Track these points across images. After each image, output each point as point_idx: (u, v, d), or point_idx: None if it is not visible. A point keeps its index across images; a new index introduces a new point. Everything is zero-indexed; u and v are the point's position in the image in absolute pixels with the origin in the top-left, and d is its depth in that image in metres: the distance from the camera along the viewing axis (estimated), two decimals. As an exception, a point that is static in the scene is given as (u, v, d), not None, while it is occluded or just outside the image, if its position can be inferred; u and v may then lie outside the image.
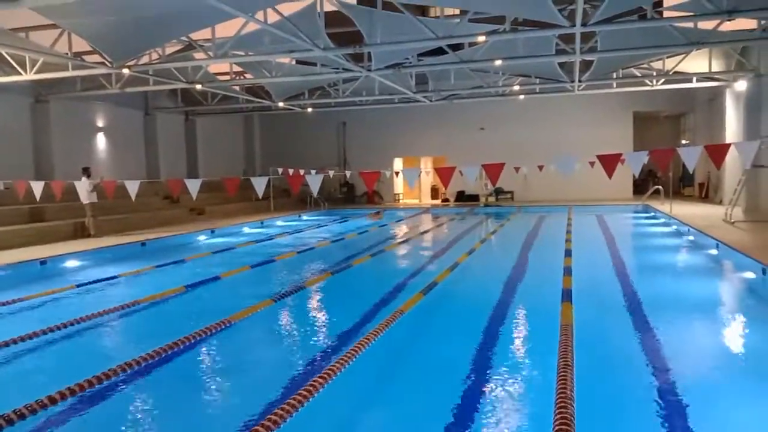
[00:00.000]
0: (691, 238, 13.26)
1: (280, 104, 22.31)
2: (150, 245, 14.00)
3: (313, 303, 8.74)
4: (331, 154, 28.97)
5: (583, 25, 11.22)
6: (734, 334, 6.53)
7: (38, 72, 14.61)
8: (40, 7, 10.37)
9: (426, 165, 28.28)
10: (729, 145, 10.99)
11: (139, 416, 4.59)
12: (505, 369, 5.27)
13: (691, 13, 12.16)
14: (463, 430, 4.07)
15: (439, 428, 4.06)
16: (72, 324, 6.78)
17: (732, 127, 19.52)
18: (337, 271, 10.59)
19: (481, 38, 12.96)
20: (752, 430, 4.09)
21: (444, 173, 12.53)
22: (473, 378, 5.05)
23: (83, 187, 14.61)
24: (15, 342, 6.10)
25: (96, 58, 14.96)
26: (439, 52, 15.95)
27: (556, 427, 3.63)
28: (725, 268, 10.20)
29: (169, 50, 15.52)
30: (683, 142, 26.23)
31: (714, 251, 11.17)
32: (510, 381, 4.99)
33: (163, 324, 7.41)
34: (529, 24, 13.24)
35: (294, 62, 17.60)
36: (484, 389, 4.80)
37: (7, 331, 6.38)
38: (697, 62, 18.69)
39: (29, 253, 12.05)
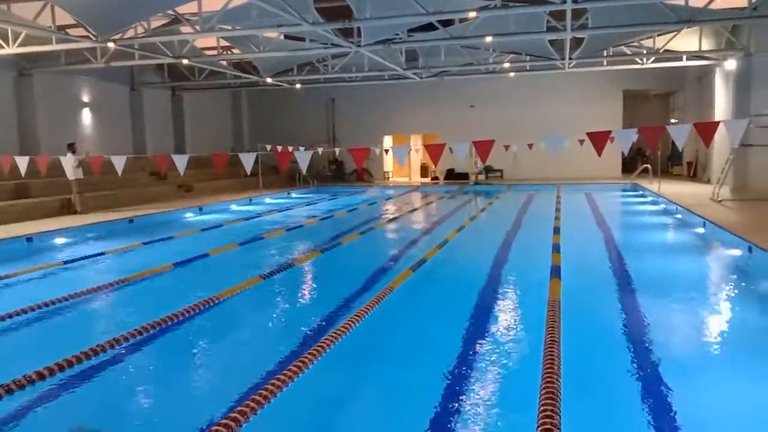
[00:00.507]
0: (679, 216, 13.35)
1: (269, 80, 22.08)
2: (137, 222, 13.91)
3: (303, 281, 8.73)
4: (320, 131, 28.78)
5: (574, 1, 11.14)
6: (720, 311, 6.60)
7: (21, 45, 14.31)
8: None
9: (416, 142, 28.18)
10: (718, 123, 11.02)
11: (127, 393, 4.59)
12: (493, 345, 5.30)
13: (683, -10, 12.10)
14: (451, 405, 4.10)
15: (428, 403, 4.08)
16: (59, 301, 6.74)
17: (721, 106, 19.57)
18: (326, 249, 10.58)
19: (472, 14, 12.84)
20: (737, 403, 4.14)
21: (434, 150, 12.49)
22: (461, 353, 5.07)
23: (68, 163, 14.44)
24: (2, 319, 6.06)
25: (80, 31, 14.67)
26: (429, 28, 15.78)
27: (542, 402, 3.66)
28: (712, 246, 10.29)
29: (154, 24, 15.22)
30: (672, 120, 26.28)
31: (701, 229, 11.25)
32: (497, 356, 5.02)
33: (151, 301, 7.38)
34: (520, 0, 13.13)
35: (282, 37, 17.37)
36: (472, 365, 4.82)
37: (-8, 308, 6.33)
38: (687, 41, 18.65)
39: (15, 229, 11.93)
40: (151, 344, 5.46)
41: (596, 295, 7.12)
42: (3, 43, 14.30)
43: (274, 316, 6.88)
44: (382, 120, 27.93)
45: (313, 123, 28.75)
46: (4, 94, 17.63)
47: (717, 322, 6.17)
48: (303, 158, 13.36)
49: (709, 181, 19.62)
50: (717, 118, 18.12)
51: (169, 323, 5.86)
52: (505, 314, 6.41)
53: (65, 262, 9.22)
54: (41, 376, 4.42)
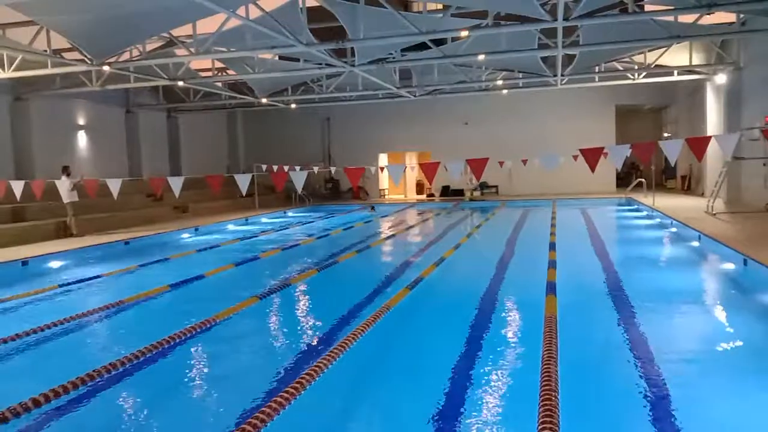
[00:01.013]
0: (674, 230, 13.40)
1: (264, 100, 22.18)
2: (133, 244, 13.89)
3: (299, 300, 8.72)
4: (316, 150, 28.88)
5: (565, 19, 11.26)
6: (716, 325, 6.61)
7: (16, 70, 14.38)
8: (17, 3, 10.21)
9: (411, 160, 28.29)
10: (710, 137, 11.10)
11: (124, 417, 4.56)
12: (490, 361, 5.30)
13: (672, 7, 12.25)
14: (450, 421, 4.09)
15: (426, 420, 4.07)
16: (55, 325, 6.71)
17: (713, 120, 19.73)
18: (322, 268, 10.57)
19: (464, 33, 12.97)
20: (733, 417, 4.14)
21: (428, 169, 12.55)
22: (459, 369, 5.07)
23: (64, 187, 14.44)
24: (-3, 344, 6.03)
25: (75, 55, 14.74)
26: (422, 47, 15.92)
27: (541, 418, 3.65)
28: (707, 259, 10.32)
29: (149, 47, 15.36)
30: (665, 135, 26.47)
31: (696, 243, 11.29)
32: (495, 372, 5.02)
33: (148, 324, 7.36)
34: (511, 18, 13.28)
35: (277, 58, 17.50)
36: (469, 381, 4.81)
37: (-12, 333, 6.30)
38: (678, 56, 18.86)
39: (10, 253, 11.90)
40: (148, 367, 5.43)
41: (592, 311, 7.13)
42: (-1, 68, 14.38)
43: (271, 336, 6.86)
44: (377, 138, 28.05)
45: (309, 142, 28.85)
46: (0, 119, 17.66)
47: (713, 336, 6.18)
48: (298, 178, 13.39)
49: (703, 195, 19.72)
50: (709, 132, 18.28)
51: (166, 346, 5.83)
52: (502, 331, 6.40)
53: (61, 286, 9.19)
54: (37, 403, 4.39)
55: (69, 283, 9.38)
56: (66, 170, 14.99)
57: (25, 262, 11.07)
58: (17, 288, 8.95)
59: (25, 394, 4.43)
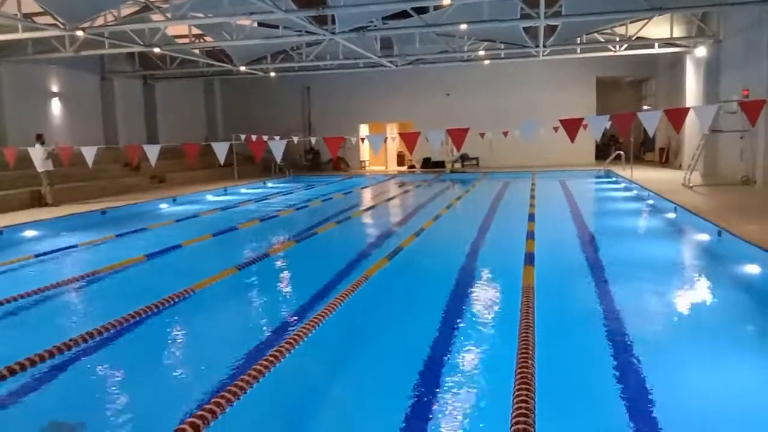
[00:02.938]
0: (651, 202, 13.55)
1: (242, 68, 21.84)
2: (110, 214, 13.71)
3: (278, 271, 8.70)
4: (296, 120, 28.58)
5: (548, -12, 11.18)
6: (691, 294, 6.73)
7: (-15, 34, 13.97)
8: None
9: (392, 131, 28.13)
10: (688, 109, 11.19)
11: (100, 387, 4.54)
12: (468, 331, 5.35)
13: (654, -22, 12.22)
14: (426, 391, 4.13)
15: (403, 390, 4.10)
16: (31, 294, 6.62)
17: (692, 92, 19.85)
18: (301, 239, 10.54)
19: (446, 1, 12.83)
20: (705, 384, 4.24)
21: (409, 139, 12.51)
22: (436, 341, 5.11)
23: (37, 155, 14.14)
24: (-30, 314, 5.95)
25: (48, 19, 14.33)
26: (404, 15, 15.74)
27: (517, 387, 3.70)
28: (683, 231, 10.47)
29: (124, 12, 14.93)
30: (645, 107, 26.60)
31: (672, 215, 11.44)
32: (473, 342, 5.07)
33: (125, 293, 7.30)
34: (494, -13, 13.14)
35: (255, 25, 17.17)
36: (447, 350, 4.86)
37: (-39, 303, 6.21)
38: (659, 28, 18.86)
39: (-17, 222, 11.69)
40: (124, 337, 5.40)
41: (570, 281, 7.22)
42: (-33, 32, 13.94)
43: (249, 307, 6.85)
44: (358, 108, 27.81)
45: (288, 112, 28.52)
46: (-30, 84, 17.21)
47: (687, 305, 6.30)
48: (277, 147, 13.26)
49: (680, 167, 19.93)
50: (688, 105, 18.38)
51: (143, 315, 5.79)
52: (480, 301, 6.45)
53: (37, 256, 9.05)
54: (12, 372, 4.35)
55: (45, 253, 9.24)
56: (40, 138, 14.67)
57: (-1, 232, 10.88)
58: (-9, 257, 8.80)
59: (0, 363, 4.38)
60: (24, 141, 15.81)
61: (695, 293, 6.78)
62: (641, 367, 4.38)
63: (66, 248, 9.64)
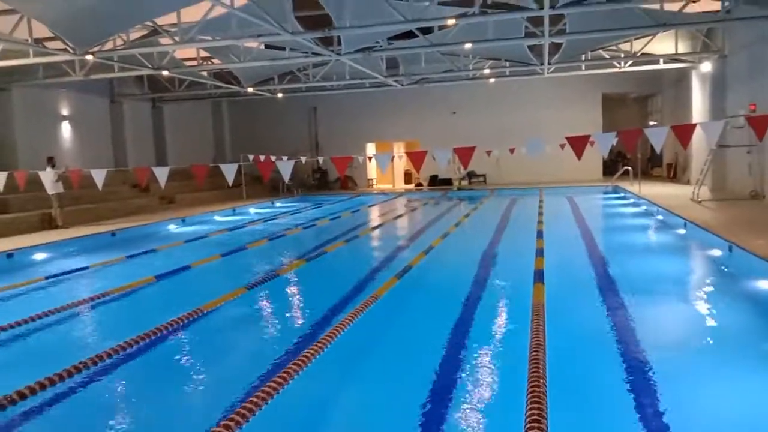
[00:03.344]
0: (660, 217, 13.50)
1: (249, 89, 22.03)
2: (120, 235, 13.78)
3: (287, 291, 8.70)
4: (303, 140, 28.73)
5: (552, 7, 11.26)
6: (702, 311, 6.67)
7: (-3, 59, 14.16)
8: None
9: (399, 149, 28.23)
10: (695, 125, 11.17)
11: (112, 408, 4.54)
12: (478, 349, 5.32)
13: (658, -5, 12.28)
14: (437, 408, 4.10)
15: (413, 409, 4.08)
16: (42, 317, 6.65)
17: (698, 108, 19.85)
18: (310, 258, 10.55)
19: (451, 21, 12.93)
20: (717, 401, 4.19)
21: (416, 157, 12.54)
22: (447, 358, 5.09)
23: (48, 178, 14.27)
24: (-19, 337, 5.97)
25: (58, 44, 14.54)
26: (409, 35, 15.87)
27: (529, 405, 3.68)
28: (693, 246, 10.42)
29: (133, 36, 15.14)
30: (651, 123, 26.60)
31: (682, 230, 11.38)
32: (483, 361, 5.04)
33: (135, 315, 7.32)
34: (498, 7, 13.24)
35: (262, 46, 17.35)
36: (458, 369, 4.83)
37: (-27, 326, 6.24)
38: (663, 44, 18.92)
39: (-6, 245, 11.76)
40: (136, 359, 5.41)
41: (580, 299, 7.17)
42: (-21, 58, 14.14)
43: (259, 327, 6.84)
44: (365, 128, 27.95)
45: (296, 132, 28.69)
46: (-18, 108, 17.42)
47: (698, 322, 6.24)
48: (285, 168, 13.33)
49: (688, 182, 19.87)
50: (694, 120, 18.39)
51: (153, 337, 5.80)
52: (490, 319, 6.42)
53: (47, 278, 9.10)
54: (22, 396, 4.36)
55: (55, 275, 9.29)
56: (50, 161, 14.82)
57: (10, 255, 10.94)
58: (3, 280, 8.85)
59: (11, 387, 4.39)
60: (34, 164, 15.96)
61: (707, 309, 6.72)
62: (653, 386, 4.33)
63: (76, 270, 9.68)
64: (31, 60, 14.63)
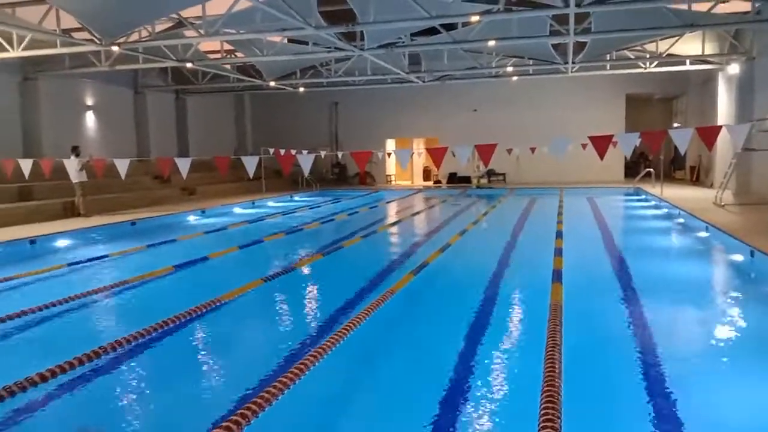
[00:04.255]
0: (682, 220, 13.33)
1: (272, 83, 22.13)
2: (140, 225, 13.94)
3: (304, 284, 8.75)
4: (323, 135, 28.82)
5: (577, 5, 11.15)
6: (723, 316, 6.58)
7: (26, 49, 14.36)
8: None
9: (418, 146, 28.18)
10: (720, 127, 11.02)
11: (128, 394, 4.60)
12: (494, 348, 5.30)
13: (686, -5, 12.11)
14: (452, 406, 4.10)
15: (428, 408, 4.08)
16: (62, 303, 6.76)
17: (724, 111, 19.55)
18: (328, 252, 10.59)
19: (475, 18, 12.87)
20: (738, 410, 4.14)
21: (436, 154, 12.51)
22: (461, 356, 5.07)
23: (72, 166, 14.48)
24: (3, 321, 6.08)
25: (85, 35, 14.72)
26: (432, 31, 15.83)
27: (543, 405, 3.66)
28: (715, 250, 10.27)
29: (159, 27, 15.29)
30: (675, 125, 26.25)
31: (704, 234, 11.23)
32: (499, 359, 5.03)
33: (154, 303, 7.39)
34: (523, 4, 13.14)
35: (286, 41, 17.42)
36: (473, 367, 4.82)
37: (-4, 310, 6.37)
38: (690, 45, 18.65)
39: (18, 232, 11.97)
40: (153, 347, 5.47)
41: (598, 300, 7.11)
42: (8, 47, 14.35)
43: (275, 318, 6.89)
44: (385, 123, 27.96)
45: (316, 126, 28.79)
46: (9, 97, 17.70)
47: (719, 327, 6.16)
48: (305, 161, 13.38)
49: (711, 186, 19.58)
50: (720, 123, 18.10)
51: (171, 325, 5.87)
52: (506, 318, 6.40)
53: (69, 265, 9.24)
54: (43, 378, 4.44)
55: (76, 263, 9.43)
56: (75, 150, 15.03)
57: (32, 241, 11.13)
58: (25, 266, 9.01)
59: (31, 370, 4.47)
60: (59, 152, 16.20)
61: (727, 314, 6.63)
62: (670, 391, 4.29)
63: (97, 258, 9.82)
64: (58, 50, 14.83)
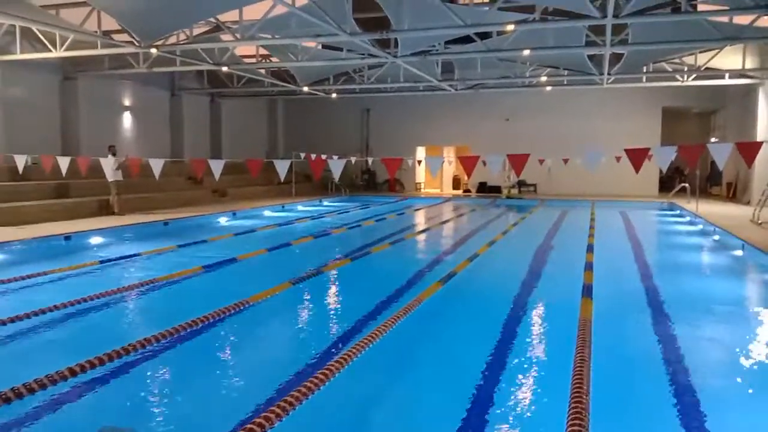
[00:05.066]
0: (717, 238, 13.03)
1: (305, 89, 22.30)
2: (172, 225, 14.14)
3: (331, 288, 8.76)
4: (354, 141, 28.94)
5: (615, 16, 11.00)
6: (757, 337, 6.39)
7: (68, 49, 14.74)
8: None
9: (449, 154, 28.10)
10: (761, 143, 10.75)
11: (155, 392, 4.64)
12: (521, 361, 5.23)
13: (727, 7, 11.86)
14: (478, 419, 4.05)
15: (453, 419, 4.03)
16: (93, 299, 6.89)
17: (764, 126, 19.08)
18: (356, 258, 10.60)
19: (510, 27, 12.79)
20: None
21: (467, 162, 12.45)
22: (489, 368, 5.01)
23: (108, 165, 14.77)
24: (36, 314, 6.20)
25: (124, 37, 15.04)
26: (466, 40, 15.78)
27: (570, 421, 3.59)
28: (751, 269, 10.01)
29: (196, 31, 15.55)
30: (713, 139, 25.72)
31: (740, 252, 10.96)
32: (526, 373, 4.96)
33: (182, 303, 7.48)
34: (559, 14, 13.03)
35: (320, 47, 17.55)
36: (499, 380, 4.76)
37: (30, 303, 6.50)
38: (730, 58, 18.24)
39: (54, 228, 12.23)
40: (180, 345, 5.52)
41: (629, 317, 6.96)
42: (51, 47, 14.74)
43: (302, 321, 6.91)
44: (416, 131, 27.95)
45: (348, 132, 28.92)
46: (50, 96, 18.17)
47: (754, 348, 5.98)
48: (336, 167, 13.44)
49: (748, 203, 19.10)
50: (760, 139, 17.67)
51: (199, 325, 5.92)
52: (534, 332, 6.32)
53: (101, 262, 9.42)
54: (73, 373, 4.51)
55: (109, 260, 9.60)
56: (111, 149, 15.34)
57: (68, 237, 11.37)
58: (59, 262, 9.20)
59: (60, 364, 4.55)
60: (96, 151, 16.54)
61: (762, 336, 6.44)
62: (701, 412, 4.17)
63: (129, 256, 9.98)
64: (99, 51, 15.17)
